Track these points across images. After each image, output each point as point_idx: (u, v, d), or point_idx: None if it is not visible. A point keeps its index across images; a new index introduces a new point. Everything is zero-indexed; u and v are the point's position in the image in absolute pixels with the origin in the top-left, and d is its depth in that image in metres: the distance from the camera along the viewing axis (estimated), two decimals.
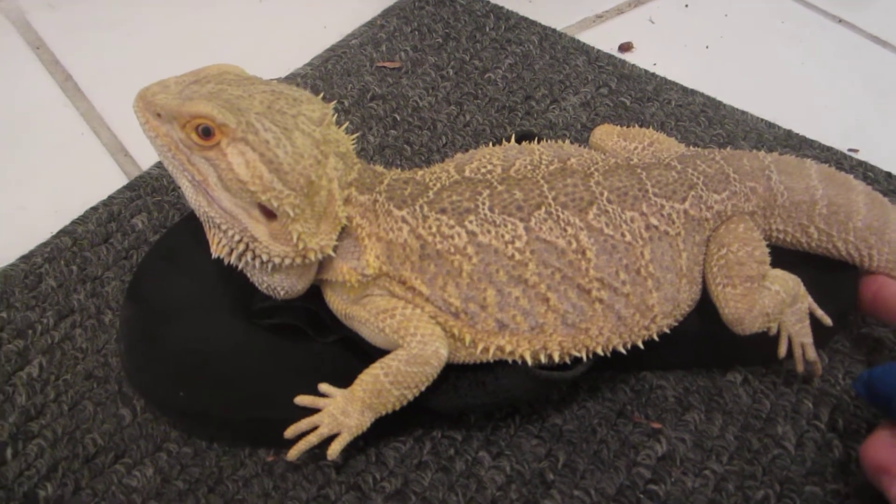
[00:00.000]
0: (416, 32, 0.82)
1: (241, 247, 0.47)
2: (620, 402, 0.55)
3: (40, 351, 0.55)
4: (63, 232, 0.63)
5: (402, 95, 0.75)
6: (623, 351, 0.51)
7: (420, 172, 0.52)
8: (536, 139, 0.55)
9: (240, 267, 0.49)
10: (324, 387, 0.50)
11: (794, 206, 0.55)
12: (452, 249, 0.48)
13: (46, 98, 0.75)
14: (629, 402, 0.55)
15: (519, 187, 0.50)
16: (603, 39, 0.85)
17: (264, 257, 0.47)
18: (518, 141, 0.56)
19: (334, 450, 0.48)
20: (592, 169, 0.52)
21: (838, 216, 0.56)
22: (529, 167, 0.52)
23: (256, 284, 0.50)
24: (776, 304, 0.52)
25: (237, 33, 0.85)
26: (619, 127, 0.60)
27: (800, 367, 0.55)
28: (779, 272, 0.54)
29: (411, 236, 0.48)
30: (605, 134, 0.60)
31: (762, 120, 0.78)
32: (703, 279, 0.53)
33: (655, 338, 0.51)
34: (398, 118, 0.73)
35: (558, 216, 0.49)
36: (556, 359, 0.50)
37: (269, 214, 0.46)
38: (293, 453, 0.48)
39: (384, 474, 0.51)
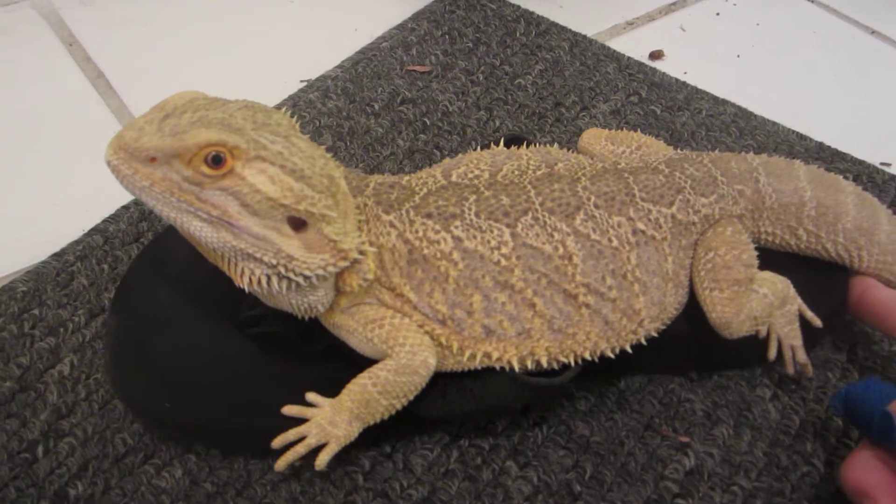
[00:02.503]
0: (447, 36, 0.82)
1: (281, 269, 0.44)
2: (648, 415, 0.55)
3: (71, 349, 0.56)
4: (94, 230, 0.64)
5: (431, 100, 0.75)
6: (611, 355, 0.50)
7: (406, 178, 0.51)
8: (525, 143, 0.55)
9: (274, 294, 0.46)
10: (311, 396, 0.49)
11: (782, 209, 0.55)
12: (439, 255, 0.47)
13: (78, 95, 0.76)
14: (657, 414, 0.55)
15: (506, 193, 0.49)
16: (633, 47, 0.85)
17: (306, 272, 0.44)
18: (507, 145, 0.55)
19: (322, 460, 0.47)
20: (580, 174, 0.51)
21: (827, 217, 0.55)
22: (517, 172, 0.51)
23: (292, 309, 0.48)
24: (764, 307, 0.52)
25: (267, 34, 0.85)
26: (607, 130, 0.60)
27: (790, 370, 0.55)
28: (767, 275, 0.54)
29: (399, 241, 0.47)
30: (593, 138, 0.59)
31: (793, 131, 0.77)
32: (690, 283, 0.53)
33: (643, 342, 0.51)
34: (428, 122, 0.73)
35: (545, 222, 0.48)
36: (545, 364, 0.49)
37: (298, 227, 0.44)
38: (281, 464, 0.48)
39: (411, 482, 0.51)
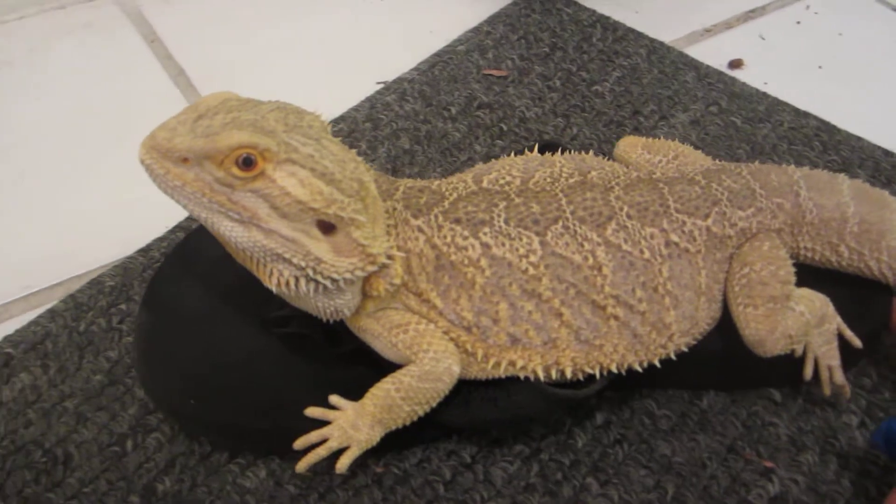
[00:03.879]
0: (523, 41, 0.81)
1: (309, 271, 0.44)
2: (731, 437, 0.54)
3: None
4: (178, 227, 0.65)
5: (508, 105, 0.75)
6: (639, 369, 0.49)
7: (436, 182, 0.50)
8: (560, 150, 0.54)
9: (302, 296, 0.46)
10: (334, 399, 0.49)
11: (823, 224, 0.53)
12: (466, 261, 0.47)
13: (160, 92, 0.77)
14: (740, 437, 0.54)
15: (537, 200, 0.48)
16: (711, 54, 0.83)
17: (335, 276, 0.44)
18: (541, 151, 0.54)
19: (343, 464, 0.47)
20: (613, 183, 0.50)
21: (871, 234, 0.53)
22: (549, 180, 0.50)
23: (318, 311, 0.47)
24: (800, 325, 0.51)
25: (344, 34, 0.85)
26: (643, 139, 0.58)
27: (826, 391, 0.53)
28: (805, 292, 0.52)
29: (427, 246, 0.47)
30: (629, 146, 0.58)
31: (879, 147, 0.75)
32: (724, 297, 0.52)
33: (673, 357, 0.50)
34: (505, 128, 0.73)
35: (575, 231, 0.48)
36: (569, 375, 0.49)
37: (327, 230, 0.44)
38: (302, 465, 0.48)
39: (492, 494, 0.50)
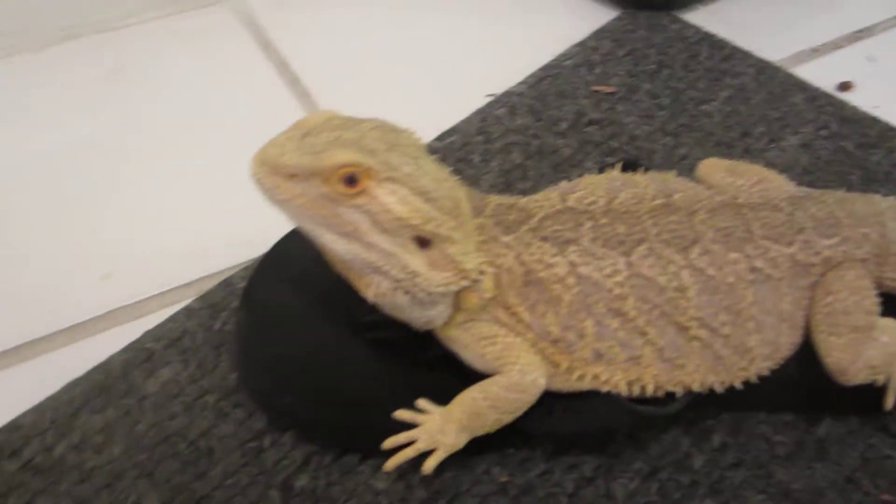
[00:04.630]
0: (630, 57, 0.82)
1: (406, 283, 0.46)
2: (849, 468, 0.54)
3: None
4: (293, 232, 0.67)
5: (617, 122, 0.76)
6: (719, 390, 0.50)
7: (523, 199, 0.52)
8: (643, 169, 0.55)
9: (398, 306, 0.48)
10: (422, 403, 0.51)
11: None
12: (553, 278, 0.48)
13: (276, 99, 0.80)
14: (858, 468, 0.54)
15: (622, 221, 0.50)
16: (820, 76, 0.83)
17: (429, 289, 0.46)
18: (623, 169, 0.55)
19: (429, 465, 0.49)
20: (697, 206, 0.51)
21: None
22: (633, 201, 0.51)
23: (412, 321, 0.50)
24: (884, 356, 0.51)
25: (451, 46, 0.87)
26: (727, 161, 0.59)
27: None
28: (890, 322, 0.52)
29: (516, 262, 0.48)
30: (712, 168, 0.58)
31: None
32: (806, 324, 0.52)
33: (754, 379, 0.51)
34: (615, 145, 0.74)
35: (660, 253, 0.49)
36: (651, 391, 0.50)
37: (423, 244, 0.46)
38: (390, 464, 0.50)
39: None
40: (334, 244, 0.46)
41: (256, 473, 0.53)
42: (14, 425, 0.56)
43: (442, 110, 0.77)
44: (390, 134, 0.46)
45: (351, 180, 0.43)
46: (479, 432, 0.50)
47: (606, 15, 0.90)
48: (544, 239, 0.49)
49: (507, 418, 0.50)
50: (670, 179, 0.54)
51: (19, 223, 0.70)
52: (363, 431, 0.52)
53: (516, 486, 0.53)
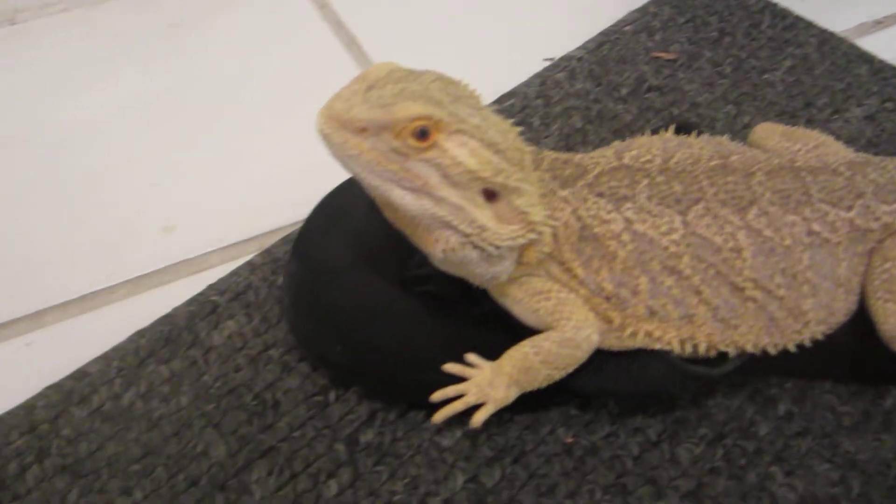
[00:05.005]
0: (690, 24, 0.81)
1: (475, 238, 0.45)
2: None
3: None
4: (344, 185, 0.66)
5: (678, 89, 0.75)
6: (772, 352, 0.50)
7: (578, 156, 0.51)
8: (697, 132, 0.54)
9: (465, 261, 0.47)
10: (472, 357, 0.51)
11: None
12: (609, 234, 0.48)
13: (332, 60, 0.80)
14: None
15: (678, 180, 0.49)
16: (883, 47, 0.81)
17: (497, 242, 0.46)
18: (677, 132, 0.54)
19: (478, 419, 0.49)
20: (755, 168, 0.50)
21: None
22: (689, 160, 0.50)
23: (476, 278, 0.49)
24: None
25: (508, 8, 0.86)
26: (781, 126, 0.58)
27: None
28: None
29: (573, 217, 0.48)
30: (768, 132, 0.57)
31: None
32: (861, 290, 0.51)
33: (807, 343, 0.50)
34: (675, 112, 0.73)
35: (717, 213, 0.48)
36: (703, 350, 0.50)
37: (490, 197, 0.45)
38: (438, 417, 0.50)
39: (678, 473, 0.52)
40: (403, 200, 0.44)
41: (322, 427, 0.54)
42: (82, 373, 0.56)
43: (499, 73, 0.76)
44: (451, 86, 0.45)
45: (423, 133, 0.42)
46: (529, 387, 0.50)
47: None
48: (600, 195, 0.48)
49: (558, 374, 0.49)
50: (725, 142, 0.54)
51: (82, 176, 0.70)
52: (412, 384, 0.52)
53: (581, 447, 0.54)
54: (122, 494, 0.50)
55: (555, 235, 0.48)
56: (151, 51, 0.82)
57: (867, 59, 0.79)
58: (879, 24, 0.85)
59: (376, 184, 0.44)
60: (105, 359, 0.57)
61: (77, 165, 0.71)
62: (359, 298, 0.55)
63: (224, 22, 0.85)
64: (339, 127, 0.43)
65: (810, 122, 0.73)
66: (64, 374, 0.56)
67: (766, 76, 0.77)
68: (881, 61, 0.79)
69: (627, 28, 0.81)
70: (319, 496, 0.50)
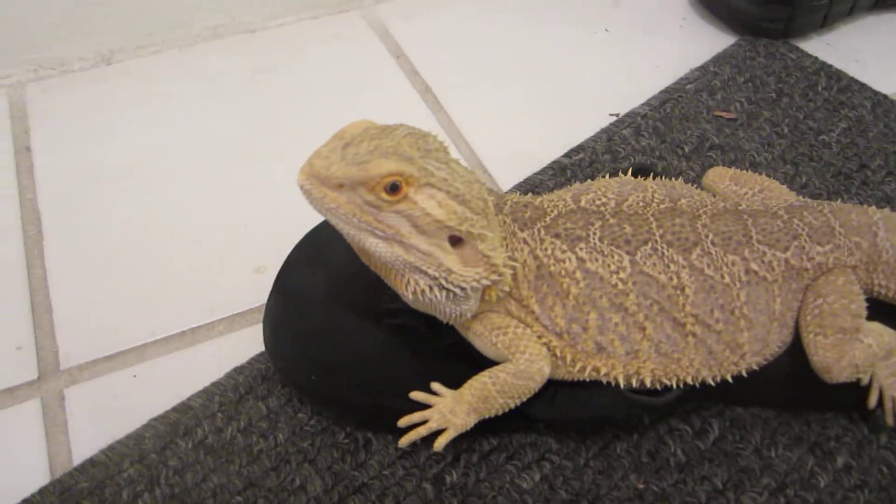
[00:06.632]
0: (750, 84, 0.85)
1: (442, 281, 0.50)
2: None
3: None
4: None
5: (738, 148, 0.78)
6: (712, 383, 0.54)
7: (538, 199, 0.55)
8: (652, 175, 0.58)
9: (433, 302, 0.51)
10: (436, 386, 0.55)
11: None
12: (563, 272, 0.52)
13: (410, 108, 0.84)
14: None
15: (629, 222, 0.53)
16: None
17: (463, 284, 0.50)
18: (634, 174, 0.59)
19: (440, 443, 0.53)
20: (701, 211, 0.55)
21: None
22: (641, 204, 0.55)
23: (444, 316, 0.53)
24: (867, 356, 0.54)
25: (574, 62, 0.91)
26: (732, 170, 0.62)
27: (889, 420, 0.57)
28: (876, 326, 0.56)
29: (530, 257, 0.52)
30: (718, 176, 0.62)
31: None
32: (795, 325, 0.55)
33: (744, 374, 0.55)
34: None
35: (663, 253, 0.52)
36: (648, 384, 0.54)
37: (456, 243, 0.50)
38: (404, 441, 0.54)
39: None
40: (377, 247, 0.49)
41: (411, 466, 0.58)
42: (185, 406, 0.61)
43: (566, 127, 0.81)
44: (420, 140, 0.49)
45: (394, 188, 0.47)
46: (487, 414, 0.54)
47: (722, 40, 0.93)
48: (556, 236, 0.53)
49: (513, 403, 0.54)
50: (678, 185, 0.58)
51: (176, 215, 0.75)
52: (381, 410, 0.56)
53: (652, 493, 0.57)
54: None
55: (514, 275, 0.53)
56: (237, 92, 0.87)
57: None
58: None
59: (352, 233, 0.49)
60: (206, 393, 0.62)
61: (169, 203, 0.76)
62: (333, 328, 0.59)
63: (307, 70, 0.89)
64: (318, 183, 0.48)
65: (865, 184, 0.76)
66: (168, 407, 0.60)
67: (822, 137, 0.80)
68: None
69: (689, 86, 0.85)
70: None
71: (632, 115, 0.81)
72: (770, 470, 0.58)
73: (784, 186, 0.62)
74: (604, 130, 0.80)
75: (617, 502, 0.56)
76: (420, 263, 0.49)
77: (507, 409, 0.54)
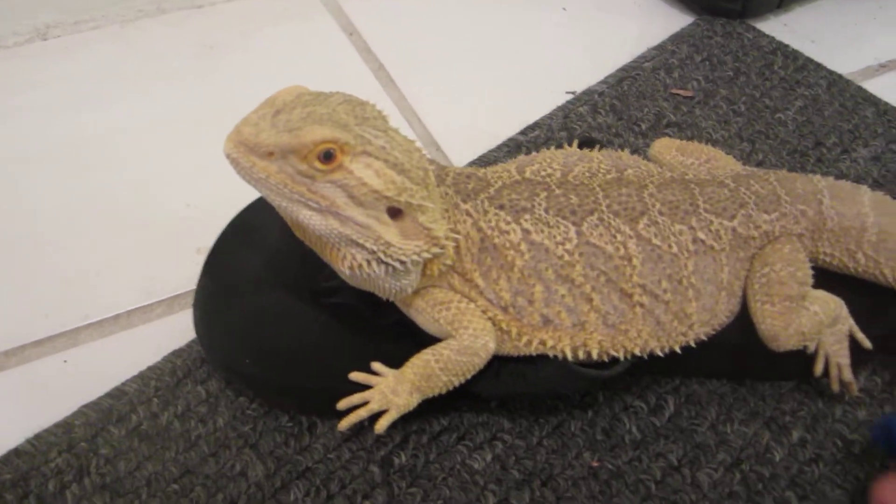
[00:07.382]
0: (707, 63, 0.84)
1: (380, 254, 0.47)
2: None
3: None
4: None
5: (695, 125, 0.78)
6: (660, 354, 0.53)
7: (482, 170, 0.54)
8: (598, 147, 0.57)
9: (371, 277, 0.49)
10: (377, 366, 0.53)
11: (843, 231, 0.56)
12: (507, 244, 0.50)
13: (362, 85, 0.81)
14: None
15: (575, 192, 0.52)
16: (887, 91, 0.84)
17: (402, 258, 0.47)
18: (580, 146, 0.58)
19: (381, 425, 0.51)
20: (647, 181, 0.54)
21: (887, 244, 0.56)
22: (587, 174, 0.54)
23: (384, 292, 0.51)
24: (813, 324, 0.54)
25: (531, 40, 0.89)
26: (678, 141, 0.62)
27: (835, 387, 0.58)
28: (821, 293, 0.56)
29: (473, 229, 0.50)
30: (664, 147, 0.61)
31: None
32: (743, 294, 0.55)
33: (692, 344, 0.54)
34: None
35: (609, 223, 0.51)
36: (595, 356, 0.52)
37: (394, 215, 0.47)
38: (344, 424, 0.52)
39: (699, 497, 0.54)
40: (311, 220, 0.46)
41: (357, 449, 0.56)
42: (119, 392, 0.58)
43: (522, 104, 0.79)
44: (358, 108, 0.47)
45: (328, 156, 0.44)
46: (430, 393, 0.52)
47: (680, 20, 0.92)
48: (501, 207, 0.51)
49: (458, 380, 0.52)
50: (624, 156, 0.57)
51: (115, 194, 0.72)
52: (320, 393, 0.54)
53: (606, 471, 0.56)
54: None
55: (457, 248, 0.51)
56: (183, 70, 0.84)
57: (873, 101, 0.82)
58: (884, 67, 0.89)
59: (284, 205, 0.46)
60: (142, 378, 0.58)
61: (110, 183, 0.72)
62: (268, 310, 0.57)
63: (257, 45, 0.87)
64: (246, 151, 0.45)
65: (820, 161, 0.76)
66: (100, 393, 0.57)
67: (778, 115, 0.80)
68: (886, 103, 0.82)
69: (647, 64, 0.84)
70: None
71: (588, 92, 0.80)
72: (725, 445, 0.57)
73: (730, 157, 0.61)
74: (560, 108, 0.79)
75: (571, 481, 0.55)
76: (357, 237, 0.46)
77: (451, 387, 0.52)
